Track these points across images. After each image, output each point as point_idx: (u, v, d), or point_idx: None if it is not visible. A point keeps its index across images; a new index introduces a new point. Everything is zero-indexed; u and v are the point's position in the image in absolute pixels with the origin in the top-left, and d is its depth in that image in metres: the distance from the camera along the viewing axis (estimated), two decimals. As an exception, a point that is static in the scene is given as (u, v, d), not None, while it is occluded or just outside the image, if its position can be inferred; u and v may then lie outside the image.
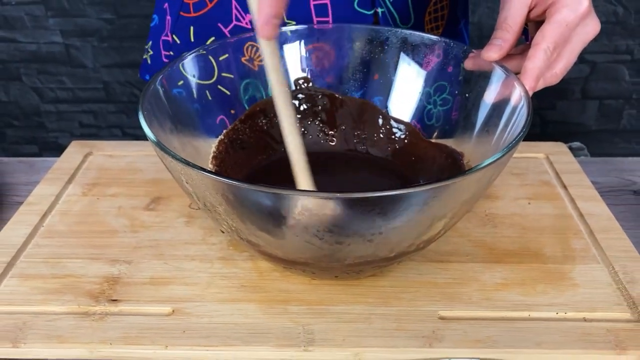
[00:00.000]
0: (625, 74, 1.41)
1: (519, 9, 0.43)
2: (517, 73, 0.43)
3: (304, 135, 0.52)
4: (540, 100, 1.44)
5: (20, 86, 1.44)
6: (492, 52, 0.42)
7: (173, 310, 0.40)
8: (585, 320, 0.39)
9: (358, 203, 0.30)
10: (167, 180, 0.54)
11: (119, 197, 0.52)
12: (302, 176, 0.38)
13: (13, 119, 1.50)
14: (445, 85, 0.49)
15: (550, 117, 1.48)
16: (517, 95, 0.40)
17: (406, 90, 0.51)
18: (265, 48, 0.37)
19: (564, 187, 0.53)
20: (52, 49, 1.38)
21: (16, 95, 1.46)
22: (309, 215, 0.31)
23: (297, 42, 0.51)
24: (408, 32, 0.50)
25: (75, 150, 0.60)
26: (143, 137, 0.39)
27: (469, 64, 0.46)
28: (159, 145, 0.34)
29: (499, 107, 0.43)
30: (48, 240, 0.47)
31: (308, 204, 0.31)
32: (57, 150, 1.53)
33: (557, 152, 0.59)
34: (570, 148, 0.65)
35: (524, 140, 0.58)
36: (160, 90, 0.43)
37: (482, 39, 1.38)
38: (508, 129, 0.41)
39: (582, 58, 1.39)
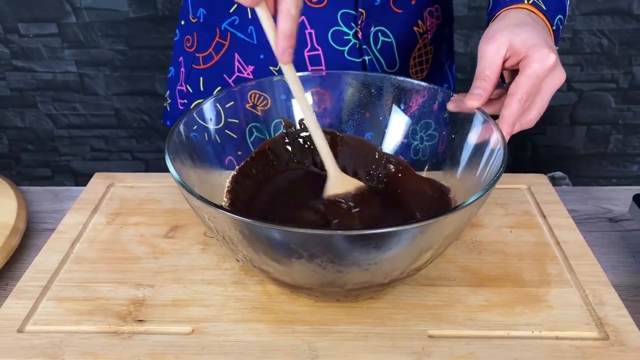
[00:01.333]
0: (611, 101, 1.47)
1: (494, 61, 0.48)
2: (495, 116, 0.49)
3: (307, 168, 0.58)
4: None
5: (35, 113, 1.50)
6: (474, 100, 0.48)
7: (193, 330, 0.45)
8: (557, 338, 0.44)
9: (356, 238, 0.35)
10: (183, 210, 0.59)
11: (140, 225, 0.57)
12: (328, 159, 0.50)
13: (28, 143, 1.56)
14: (431, 123, 0.55)
15: (540, 141, 1.54)
16: (495, 139, 0.46)
17: (397, 129, 0.57)
18: (286, 69, 0.46)
19: (543, 216, 0.58)
20: (67, 78, 1.45)
21: (32, 121, 1.52)
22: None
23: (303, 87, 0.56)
24: (400, 78, 0.55)
25: (98, 182, 0.65)
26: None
27: (451, 107, 0.52)
28: (186, 187, 0.39)
29: (480, 147, 0.48)
30: (78, 266, 0.52)
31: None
32: (69, 173, 1.59)
33: (538, 183, 0.64)
34: (553, 177, 0.70)
35: (509, 172, 0.64)
36: (183, 134, 0.48)
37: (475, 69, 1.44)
38: (488, 168, 0.46)
39: (570, 86, 1.46)
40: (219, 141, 0.53)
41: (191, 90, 0.70)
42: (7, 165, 1.59)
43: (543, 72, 0.47)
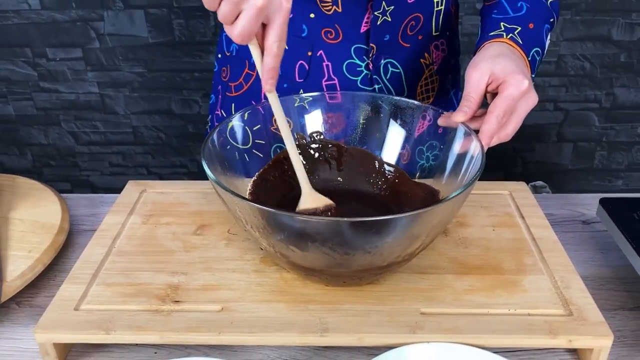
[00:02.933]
0: (595, 120, 1.56)
1: (479, 86, 0.57)
2: (477, 131, 0.57)
3: (317, 176, 0.66)
4: (521, 143, 1.58)
5: (59, 130, 1.59)
6: (460, 116, 0.56)
7: (222, 308, 0.52)
8: (529, 315, 0.52)
9: (360, 225, 0.43)
10: (208, 211, 0.67)
11: (171, 225, 0.65)
12: (302, 178, 0.55)
13: (50, 159, 1.65)
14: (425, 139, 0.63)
15: (530, 158, 1.62)
16: (474, 148, 0.54)
17: (395, 142, 0.65)
18: (270, 96, 0.52)
19: (522, 217, 0.66)
20: (89, 98, 1.54)
21: (55, 138, 1.61)
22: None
23: (314, 106, 0.65)
24: (399, 99, 0.64)
25: (132, 189, 0.73)
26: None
27: (441, 122, 0.60)
28: (221, 185, 0.47)
29: (462, 156, 0.56)
30: (120, 258, 0.60)
31: None
32: (87, 187, 1.67)
33: (519, 190, 0.72)
34: (535, 186, 0.78)
35: (493, 181, 0.72)
36: (216, 145, 0.56)
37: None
38: (468, 172, 0.54)
39: (556, 106, 1.55)
40: (247, 159, 0.62)
41: (225, 115, 0.79)
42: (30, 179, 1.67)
43: (518, 94, 0.55)
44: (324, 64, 0.71)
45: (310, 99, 0.65)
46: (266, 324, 0.51)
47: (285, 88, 0.73)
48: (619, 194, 0.72)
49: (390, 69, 0.72)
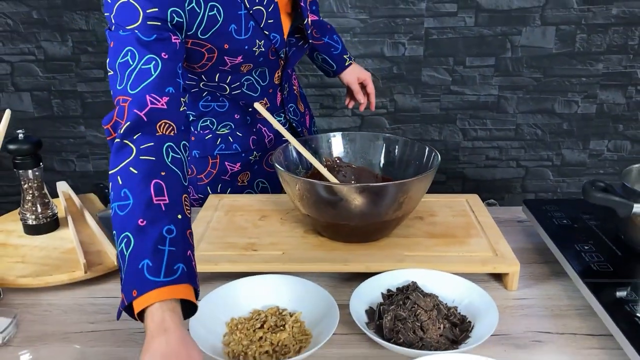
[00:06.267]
0: (550, 175, 1.90)
1: (357, 86, 1.05)
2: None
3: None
4: (491, 194, 1.91)
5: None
6: (362, 106, 1.01)
7: (283, 252, 0.83)
8: (471, 255, 0.82)
9: (369, 189, 0.76)
10: (266, 209, 0.99)
11: (244, 215, 0.97)
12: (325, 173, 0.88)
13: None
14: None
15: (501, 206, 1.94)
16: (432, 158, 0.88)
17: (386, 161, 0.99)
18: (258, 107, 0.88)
19: (473, 212, 0.98)
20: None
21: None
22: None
23: (336, 139, 1.00)
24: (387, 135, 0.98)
25: (213, 198, 1.05)
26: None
27: (350, 105, 1.13)
28: (289, 172, 0.80)
29: (425, 165, 0.90)
30: (215, 232, 0.91)
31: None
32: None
33: (472, 199, 1.04)
34: (488, 203, 1.10)
35: (460, 195, 1.05)
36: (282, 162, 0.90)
37: (449, 152, 1.89)
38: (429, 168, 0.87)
39: (518, 164, 1.89)
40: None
41: None
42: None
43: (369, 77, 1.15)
44: (264, 129, 1.10)
45: (334, 136, 1.00)
46: (310, 258, 0.82)
47: (244, 156, 1.09)
48: (537, 199, 1.04)
49: (291, 108, 1.14)
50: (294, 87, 1.16)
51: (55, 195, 1.03)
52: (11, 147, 0.89)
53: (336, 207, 0.80)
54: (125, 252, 0.59)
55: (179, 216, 0.62)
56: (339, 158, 1.00)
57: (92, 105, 1.82)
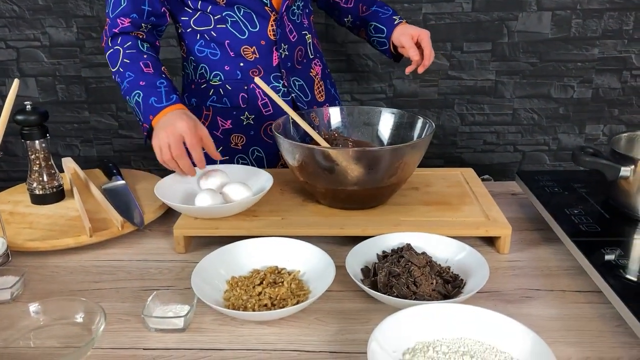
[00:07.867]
0: (546, 159, 1.92)
1: (412, 43, 1.04)
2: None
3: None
4: (492, 178, 1.92)
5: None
6: (414, 63, 1.02)
7: (282, 218, 0.85)
8: (465, 220, 0.84)
9: (366, 154, 0.77)
10: (273, 193, 1.01)
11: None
12: (323, 144, 0.89)
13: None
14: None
15: (498, 189, 1.96)
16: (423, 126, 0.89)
17: (384, 134, 1.01)
18: (258, 82, 0.89)
19: (467, 183, 1.00)
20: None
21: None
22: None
23: (333, 112, 1.01)
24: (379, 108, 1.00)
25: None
26: None
27: (407, 71, 1.07)
28: (289, 142, 0.82)
29: (420, 131, 0.91)
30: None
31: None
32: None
33: (467, 172, 1.06)
34: (483, 178, 1.12)
35: (455, 167, 1.07)
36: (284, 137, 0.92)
37: (447, 136, 1.91)
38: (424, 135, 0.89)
39: (515, 148, 1.91)
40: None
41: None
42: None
43: (425, 35, 1.06)
44: (257, 91, 1.10)
45: (333, 110, 1.02)
46: (310, 223, 0.83)
47: (235, 114, 1.11)
48: (530, 170, 1.06)
49: (297, 83, 1.13)
50: (312, 69, 1.16)
51: (61, 171, 1.05)
52: (19, 117, 0.91)
53: (334, 172, 0.82)
54: (139, 100, 0.95)
55: (163, 75, 0.98)
56: (337, 131, 1.02)
57: (96, 91, 1.84)
